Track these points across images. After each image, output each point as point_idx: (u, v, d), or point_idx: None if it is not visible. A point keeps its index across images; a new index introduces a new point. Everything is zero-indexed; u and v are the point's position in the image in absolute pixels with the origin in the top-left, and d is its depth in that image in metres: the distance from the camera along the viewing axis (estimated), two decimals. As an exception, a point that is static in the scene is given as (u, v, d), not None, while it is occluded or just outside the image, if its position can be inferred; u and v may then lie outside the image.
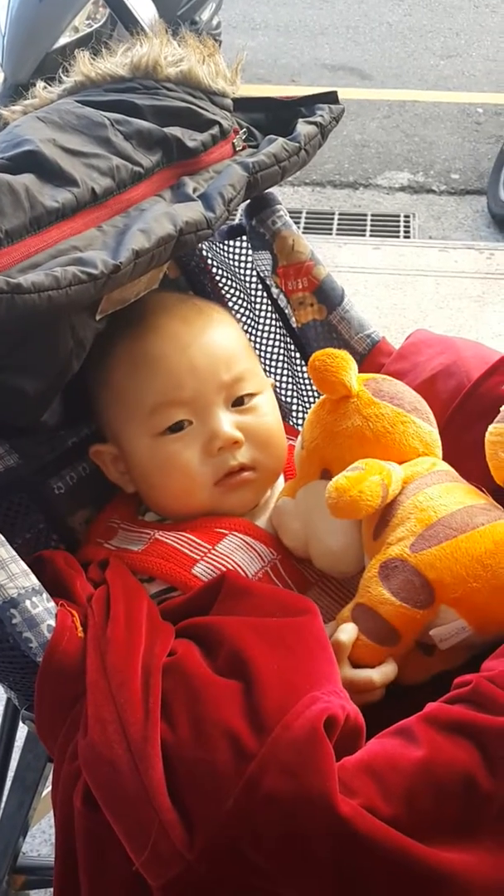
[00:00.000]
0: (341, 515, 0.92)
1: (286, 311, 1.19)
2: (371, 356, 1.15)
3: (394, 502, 0.93)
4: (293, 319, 1.19)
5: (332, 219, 3.36)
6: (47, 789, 1.23)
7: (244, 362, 1.04)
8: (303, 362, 1.22)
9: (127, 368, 1.01)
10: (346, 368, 0.98)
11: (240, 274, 1.21)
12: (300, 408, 1.24)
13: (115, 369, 1.02)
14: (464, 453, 1.01)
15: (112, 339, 1.01)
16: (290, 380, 1.24)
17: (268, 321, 1.22)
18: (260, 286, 1.21)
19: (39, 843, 1.50)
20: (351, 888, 0.68)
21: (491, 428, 0.96)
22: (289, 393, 1.25)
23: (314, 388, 1.22)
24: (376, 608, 0.88)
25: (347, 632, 0.88)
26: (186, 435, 0.99)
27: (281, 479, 1.09)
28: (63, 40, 3.10)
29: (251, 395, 1.03)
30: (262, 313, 1.22)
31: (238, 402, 1.02)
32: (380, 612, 0.87)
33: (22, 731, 1.23)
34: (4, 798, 1.25)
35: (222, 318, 1.07)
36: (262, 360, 1.24)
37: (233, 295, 1.23)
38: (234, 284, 1.23)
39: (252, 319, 1.23)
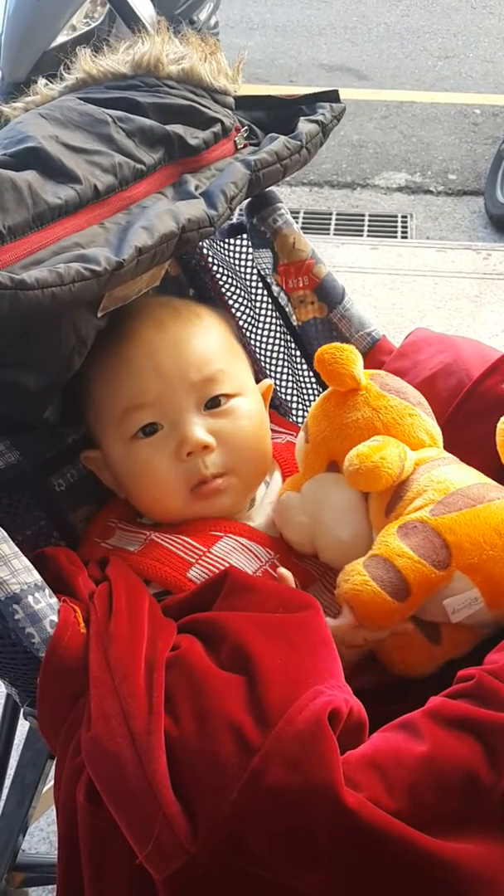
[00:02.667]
0: (361, 484, 0.92)
1: (287, 309, 1.20)
2: (371, 354, 1.16)
3: (408, 480, 0.94)
4: (293, 317, 1.19)
5: (330, 219, 3.37)
6: (46, 787, 1.23)
7: (220, 363, 1.01)
8: (303, 360, 1.22)
9: (101, 376, 1.01)
10: (355, 361, 0.99)
11: (240, 272, 1.22)
12: (300, 405, 1.24)
13: (92, 377, 1.01)
14: (464, 451, 1.01)
15: (93, 348, 0.98)
16: (290, 377, 1.24)
17: (268, 319, 1.22)
18: (260, 284, 1.21)
19: (38, 840, 1.50)
20: (355, 880, 0.68)
21: None
22: (289, 390, 1.25)
23: (314, 385, 1.22)
24: (393, 559, 0.87)
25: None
26: (157, 440, 0.98)
27: (277, 477, 1.09)
28: (61, 39, 3.10)
29: (227, 397, 1.01)
30: (263, 311, 1.22)
31: (213, 405, 1.00)
32: (396, 564, 0.87)
33: (21, 728, 1.23)
34: (4, 796, 1.25)
35: (202, 320, 1.04)
36: (262, 357, 1.24)
37: (233, 293, 1.24)
38: (234, 282, 1.23)
39: (252, 317, 1.23)
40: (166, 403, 0.98)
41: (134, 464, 0.99)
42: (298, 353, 1.22)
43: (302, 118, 1.08)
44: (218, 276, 1.23)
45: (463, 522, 0.88)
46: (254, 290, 1.21)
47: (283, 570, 0.93)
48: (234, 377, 1.02)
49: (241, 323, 1.23)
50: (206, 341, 1.02)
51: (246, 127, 1.07)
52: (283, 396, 1.25)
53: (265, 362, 1.24)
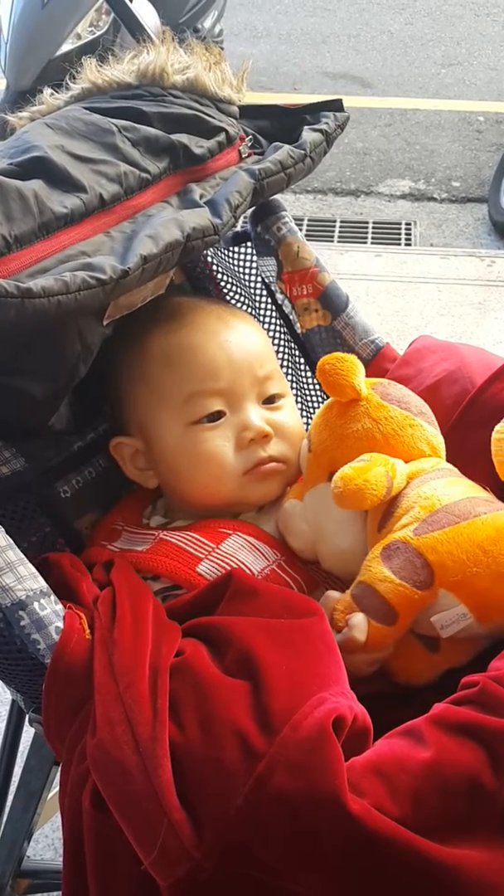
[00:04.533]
0: (347, 505, 0.93)
1: (291, 317, 1.20)
2: (375, 362, 1.16)
3: (399, 495, 0.94)
4: (297, 325, 1.20)
5: (334, 226, 3.38)
6: (51, 793, 1.24)
7: (273, 363, 1.08)
8: (307, 368, 1.22)
9: (163, 360, 1.03)
10: (356, 372, 0.99)
11: (244, 280, 1.22)
12: (304, 413, 1.25)
13: (149, 361, 1.03)
14: (467, 458, 1.01)
15: (144, 335, 1.04)
16: (294, 385, 1.24)
17: (272, 327, 1.23)
18: (264, 292, 1.22)
19: (43, 847, 1.50)
20: (360, 886, 0.68)
21: (498, 426, 0.97)
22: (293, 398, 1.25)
23: (318, 393, 1.23)
24: (375, 585, 0.88)
25: (361, 629, 0.88)
26: (220, 426, 1.01)
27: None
28: (66, 47, 3.11)
29: (280, 396, 1.06)
30: (267, 319, 1.23)
31: (268, 401, 1.05)
32: (378, 590, 0.88)
33: (26, 735, 1.23)
34: (9, 802, 1.26)
35: (249, 318, 1.11)
36: (267, 365, 1.24)
37: (237, 301, 1.24)
38: (238, 290, 1.24)
39: (256, 325, 1.23)
40: (234, 393, 1.02)
41: (192, 447, 1.01)
42: (302, 360, 1.22)
43: (306, 127, 1.08)
44: (222, 284, 1.24)
45: (445, 541, 0.88)
46: (258, 298, 1.22)
47: None
48: (281, 377, 1.09)
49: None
50: (259, 337, 1.08)
51: (250, 136, 1.08)
52: (288, 403, 1.26)
53: (269, 369, 1.24)
